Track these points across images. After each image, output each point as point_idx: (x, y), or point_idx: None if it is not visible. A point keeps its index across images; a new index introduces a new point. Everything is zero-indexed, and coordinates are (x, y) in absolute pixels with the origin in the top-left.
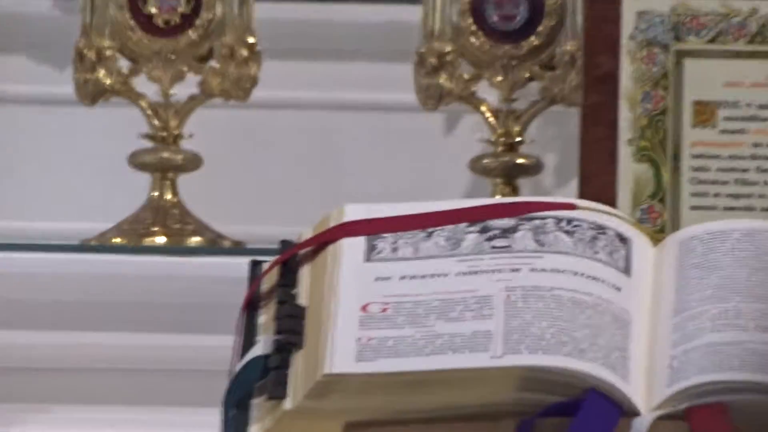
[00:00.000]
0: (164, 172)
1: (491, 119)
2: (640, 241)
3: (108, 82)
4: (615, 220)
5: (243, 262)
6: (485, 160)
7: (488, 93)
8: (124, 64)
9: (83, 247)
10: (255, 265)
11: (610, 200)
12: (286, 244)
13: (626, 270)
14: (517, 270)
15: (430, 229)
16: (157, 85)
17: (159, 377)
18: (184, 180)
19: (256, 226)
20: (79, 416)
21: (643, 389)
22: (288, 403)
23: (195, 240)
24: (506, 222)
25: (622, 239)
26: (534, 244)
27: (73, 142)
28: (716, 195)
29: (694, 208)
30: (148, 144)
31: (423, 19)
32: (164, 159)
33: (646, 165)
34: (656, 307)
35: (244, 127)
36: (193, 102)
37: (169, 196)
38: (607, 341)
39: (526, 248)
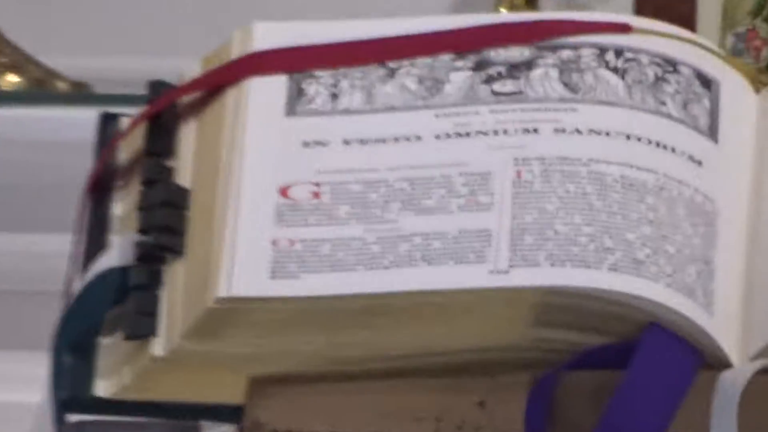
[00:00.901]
0: None
1: None
2: (733, 84)
3: None
4: (693, 50)
5: (89, 116)
6: None
7: None
8: None
9: None
10: (108, 121)
11: (686, 19)
12: (157, 87)
13: (711, 131)
14: (533, 131)
15: (392, 64)
16: None
17: None
18: None
19: (110, 57)
20: None
21: (737, 326)
22: (158, 346)
23: (11, 80)
24: (517, 53)
25: (705, 82)
26: (561, 90)
27: None
28: None
29: None
30: None
31: None
32: None
33: None
34: (759, 191)
35: None
36: None
37: None
38: (679, 248)
39: (548, 96)
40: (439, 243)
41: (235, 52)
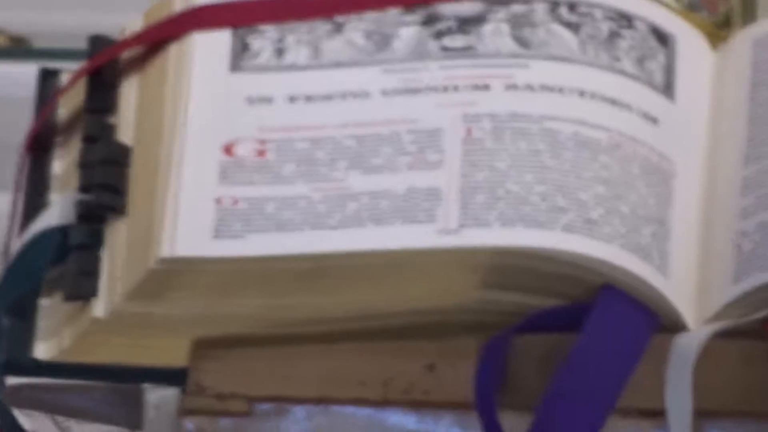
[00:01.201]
0: None
1: None
2: (689, 40)
3: None
4: (649, 5)
5: (28, 72)
6: None
7: None
8: None
9: None
10: (47, 77)
11: None
12: (98, 42)
13: (667, 88)
14: (484, 87)
15: (339, 18)
16: None
17: None
18: None
19: (50, 11)
20: None
21: (693, 287)
22: (100, 307)
23: None
24: (467, 7)
25: (661, 37)
26: (513, 45)
27: None
28: None
29: None
30: None
31: None
32: None
33: None
34: (716, 150)
35: None
36: None
37: None
38: (633, 208)
39: (499, 51)
40: (387, 202)
41: (178, 5)
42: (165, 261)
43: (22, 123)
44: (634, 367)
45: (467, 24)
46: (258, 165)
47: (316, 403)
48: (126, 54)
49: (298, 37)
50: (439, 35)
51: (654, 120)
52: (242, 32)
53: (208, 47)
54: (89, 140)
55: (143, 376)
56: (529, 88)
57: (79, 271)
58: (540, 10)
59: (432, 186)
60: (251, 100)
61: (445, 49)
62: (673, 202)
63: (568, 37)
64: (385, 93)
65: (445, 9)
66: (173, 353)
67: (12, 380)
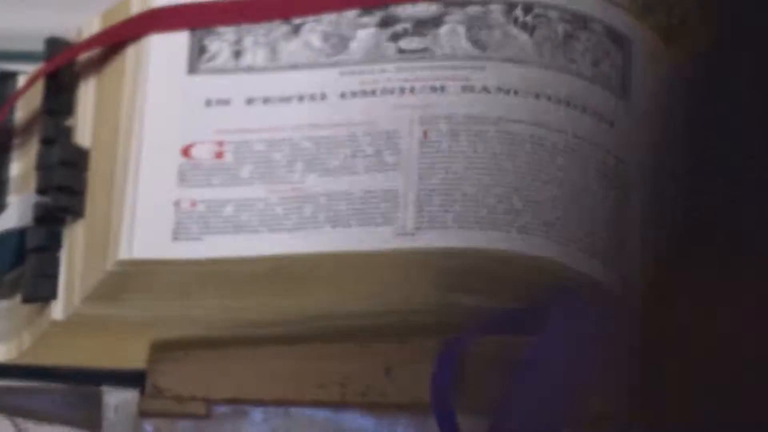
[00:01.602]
0: None
1: None
2: (645, 42)
3: None
4: (604, 6)
5: None
6: None
7: None
8: None
9: None
10: (4, 79)
11: None
12: (56, 44)
13: (623, 90)
14: (440, 89)
15: (296, 20)
16: None
17: None
18: None
19: (7, 12)
20: None
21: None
22: (58, 309)
23: None
24: (424, 8)
25: (616, 39)
26: (469, 47)
27: None
28: None
29: None
30: None
31: None
32: None
33: None
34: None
35: None
36: None
37: None
38: (589, 210)
39: (456, 53)
40: (344, 204)
41: (136, 7)
42: (123, 263)
43: None
44: (594, 370)
45: (424, 26)
46: (216, 167)
47: (274, 405)
48: (83, 56)
49: (256, 39)
50: (395, 37)
51: (610, 122)
52: (200, 34)
53: (165, 49)
54: (47, 142)
55: (103, 379)
56: (485, 90)
57: (38, 273)
58: (496, 11)
59: (389, 188)
60: (209, 102)
61: (401, 51)
62: (630, 204)
63: (523, 39)
64: (342, 95)
65: (402, 11)
66: (133, 355)
67: None
